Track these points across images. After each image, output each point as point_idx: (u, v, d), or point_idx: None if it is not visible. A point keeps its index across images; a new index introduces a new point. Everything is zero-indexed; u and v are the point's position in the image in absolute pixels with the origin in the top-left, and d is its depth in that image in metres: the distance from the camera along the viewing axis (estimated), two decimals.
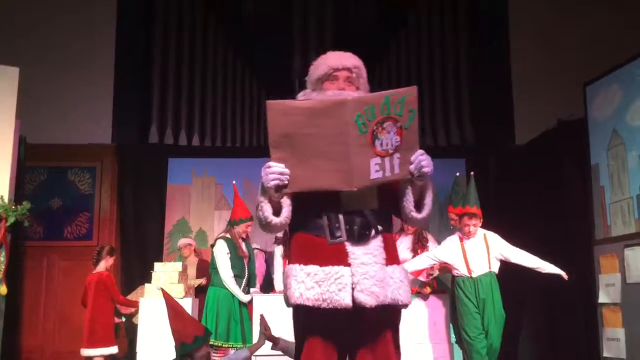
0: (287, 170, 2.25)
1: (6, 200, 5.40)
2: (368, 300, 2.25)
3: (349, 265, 2.29)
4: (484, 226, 5.53)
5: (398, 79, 8.30)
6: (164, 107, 8.23)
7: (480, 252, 5.39)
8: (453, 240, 5.52)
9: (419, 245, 6.00)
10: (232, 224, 5.97)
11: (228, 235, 5.92)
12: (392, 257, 2.40)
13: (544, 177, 7.06)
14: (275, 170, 2.24)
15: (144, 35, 8.37)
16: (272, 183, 2.25)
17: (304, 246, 2.38)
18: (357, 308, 2.25)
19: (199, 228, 8.02)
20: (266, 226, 2.37)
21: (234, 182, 6.36)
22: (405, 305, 2.40)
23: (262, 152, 8.53)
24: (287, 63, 8.24)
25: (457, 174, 6.40)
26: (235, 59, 8.44)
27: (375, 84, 8.24)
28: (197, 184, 8.14)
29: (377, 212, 2.38)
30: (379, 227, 2.37)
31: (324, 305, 2.26)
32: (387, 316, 2.37)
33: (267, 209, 2.33)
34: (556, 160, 6.82)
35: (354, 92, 2.44)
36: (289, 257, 2.48)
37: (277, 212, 2.35)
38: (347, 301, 2.25)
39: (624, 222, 5.47)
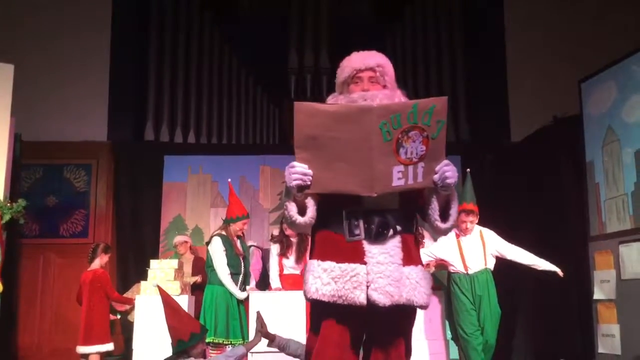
0: (310, 171, 2.28)
1: (1, 197, 5.39)
2: (382, 299, 2.28)
3: (365, 263, 2.32)
4: (480, 223, 5.54)
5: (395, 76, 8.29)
6: (159, 104, 8.22)
7: (476, 248, 5.41)
8: (449, 237, 5.53)
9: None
10: (228, 221, 5.97)
11: (223, 233, 5.92)
12: (410, 258, 2.42)
13: (539, 174, 7.07)
14: (298, 171, 2.27)
15: (139, 33, 8.36)
16: (295, 183, 2.28)
17: (324, 242, 2.43)
18: (372, 306, 2.28)
19: (195, 225, 8.00)
20: (292, 225, 2.44)
21: (229, 179, 6.35)
22: (422, 307, 2.42)
23: (257, 149, 8.54)
24: (283, 60, 8.25)
25: None
26: (231, 56, 8.44)
27: None
28: (192, 182, 8.13)
29: (397, 212, 2.41)
30: (398, 228, 2.39)
31: (339, 301, 2.30)
32: (402, 316, 2.41)
33: (292, 209, 2.38)
34: (551, 157, 6.83)
35: (380, 91, 2.47)
36: (310, 253, 2.52)
37: (302, 211, 2.39)
38: (361, 299, 2.28)
39: (618, 219, 5.49)
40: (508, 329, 6.66)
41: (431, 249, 5.59)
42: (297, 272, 6.28)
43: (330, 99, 2.57)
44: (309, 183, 2.29)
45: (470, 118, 8.27)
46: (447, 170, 2.30)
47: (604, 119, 5.73)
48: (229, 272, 5.77)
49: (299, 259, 6.25)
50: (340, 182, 2.27)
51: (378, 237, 2.35)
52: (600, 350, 5.58)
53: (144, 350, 5.63)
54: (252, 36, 8.44)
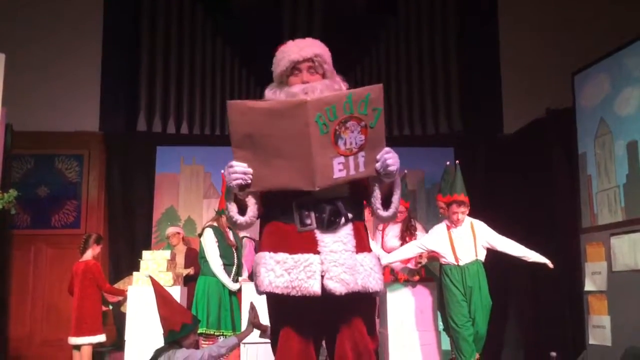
0: (250, 170, 2.26)
1: None
2: (337, 287, 2.26)
3: (318, 253, 2.30)
4: (472, 214, 5.55)
5: (387, 69, 8.30)
6: (152, 94, 8.17)
7: (467, 240, 5.42)
8: (440, 228, 5.55)
9: (407, 234, 6.01)
10: (220, 213, 5.95)
11: (215, 224, 5.91)
12: (362, 245, 2.40)
13: (532, 166, 7.09)
14: (238, 170, 2.26)
15: (131, 23, 8.30)
16: (235, 182, 2.27)
17: (274, 234, 2.39)
18: (328, 295, 2.26)
19: (188, 216, 8.00)
20: (233, 225, 2.44)
21: (222, 171, 6.32)
22: (377, 293, 2.40)
23: None
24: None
25: (447, 162, 6.42)
26: (223, 46, 8.40)
27: (366, 73, 8.28)
28: (185, 172, 8.12)
29: (348, 200, 2.39)
30: (349, 215, 2.38)
31: (293, 292, 2.27)
32: (359, 303, 2.38)
33: (232, 209, 2.38)
34: (544, 149, 6.85)
35: (319, 82, 2.42)
36: (260, 245, 2.48)
37: (243, 211, 2.39)
38: (315, 288, 2.26)
39: (610, 211, 5.52)
40: (499, 320, 6.70)
41: (422, 241, 5.60)
42: None
43: (268, 92, 2.54)
44: (249, 182, 2.27)
45: (464, 110, 8.27)
46: (389, 158, 2.28)
47: (597, 111, 5.75)
48: (221, 263, 5.76)
49: None
50: (281, 178, 2.23)
51: (330, 226, 2.33)
52: (591, 341, 5.62)
53: (136, 340, 5.62)
54: (244, 27, 8.39)
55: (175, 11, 8.34)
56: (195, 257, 6.48)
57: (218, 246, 5.79)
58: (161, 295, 4.20)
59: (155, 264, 5.89)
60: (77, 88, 7.99)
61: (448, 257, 5.46)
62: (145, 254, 6.05)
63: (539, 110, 6.98)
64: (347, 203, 2.38)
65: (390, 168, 2.29)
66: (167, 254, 6.06)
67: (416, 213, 7.64)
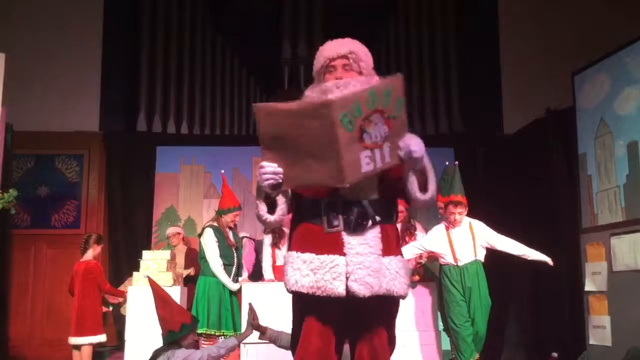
0: (280, 170, 2.28)
1: None
2: (361, 290, 2.28)
3: (344, 254, 2.32)
4: (472, 214, 5.55)
5: (387, 68, 8.29)
6: (152, 94, 8.18)
7: (466, 240, 5.42)
8: (439, 229, 5.54)
9: (407, 234, 6.01)
10: (220, 213, 5.96)
11: (215, 224, 5.91)
12: (390, 248, 2.41)
13: (532, 166, 7.09)
14: (268, 171, 2.28)
15: (131, 23, 8.31)
16: (267, 183, 2.29)
17: (302, 234, 2.42)
18: (352, 297, 2.28)
19: (188, 216, 8.00)
20: (263, 223, 2.46)
21: (222, 171, 6.34)
22: (402, 297, 2.43)
23: (250, 140, 8.50)
24: (276, 50, 8.21)
25: (447, 163, 6.41)
26: (224, 46, 8.40)
27: None
28: (185, 172, 8.11)
29: (376, 202, 2.40)
30: (377, 218, 2.38)
31: (318, 292, 2.30)
32: (383, 306, 2.41)
33: (262, 208, 2.40)
34: (544, 149, 6.84)
35: (353, 77, 2.44)
36: (289, 245, 2.52)
37: (272, 209, 2.41)
38: (340, 290, 2.28)
39: (610, 211, 5.51)
40: (499, 320, 6.69)
41: (421, 242, 5.60)
42: None
43: (307, 90, 2.55)
44: (280, 181, 2.29)
45: (464, 110, 8.27)
46: (411, 144, 2.29)
47: (597, 111, 5.74)
48: (221, 263, 5.76)
49: None
50: (311, 176, 2.25)
51: (357, 227, 2.34)
52: (591, 341, 5.61)
53: (137, 341, 5.62)
54: (245, 26, 8.40)
55: (176, 11, 8.34)
56: (195, 258, 6.48)
57: (218, 246, 5.79)
58: (159, 296, 4.20)
59: (155, 264, 5.88)
60: (77, 88, 8.00)
61: (447, 258, 5.45)
62: (145, 254, 6.05)
63: (539, 111, 6.98)
64: (376, 205, 2.39)
65: (415, 154, 2.30)
66: (167, 254, 6.06)
67: (416, 213, 7.63)
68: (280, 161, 2.28)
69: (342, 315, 2.36)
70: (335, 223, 2.35)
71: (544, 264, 5.20)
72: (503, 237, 5.40)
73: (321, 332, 2.35)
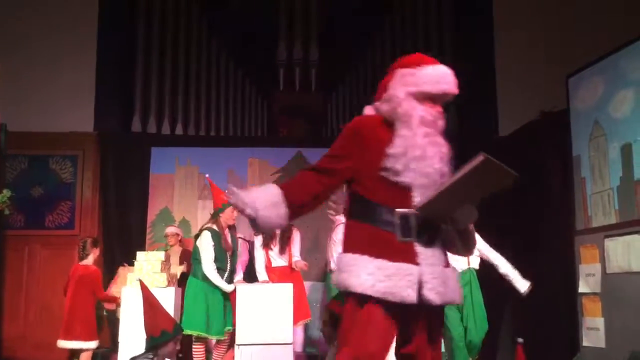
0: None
1: None
2: (436, 298, 2.38)
3: (417, 264, 2.40)
4: None
5: (382, 68, 8.28)
6: (147, 95, 8.17)
7: None
8: None
9: None
10: (216, 213, 5.89)
11: (214, 227, 5.82)
12: (447, 260, 2.56)
13: (526, 168, 7.07)
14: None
15: (126, 23, 8.30)
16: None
17: (372, 239, 2.45)
18: (418, 305, 2.37)
19: (182, 217, 7.97)
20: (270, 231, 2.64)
21: (206, 175, 6.36)
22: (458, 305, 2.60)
23: (245, 142, 8.47)
24: (272, 52, 8.21)
25: None
26: (219, 48, 8.39)
27: (360, 75, 8.28)
28: (180, 173, 8.09)
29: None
30: (443, 232, 2.53)
31: (390, 298, 2.35)
32: (439, 316, 2.56)
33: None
34: (538, 152, 6.86)
35: (440, 135, 2.73)
36: (346, 245, 2.54)
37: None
38: (412, 297, 2.36)
39: (604, 213, 5.53)
40: (494, 323, 6.68)
41: None
42: (285, 263, 6.27)
43: (375, 104, 2.80)
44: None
45: (458, 112, 8.28)
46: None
47: (591, 113, 5.76)
48: (214, 267, 5.70)
49: (283, 249, 6.23)
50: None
51: (430, 240, 2.46)
52: (585, 343, 5.62)
53: (130, 343, 5.58)
54: (240, 28, 8.40)
55: (171, 11, 8.33)
56: (189, 258, 6.44)
57: (214, 249, 5.72)
58: (147, 301, 4.20)
59: (149, 265, 5.86)
60: (71, 88, 7.96)
61: None
62: (140, 254, 6.03)
63: (533, 113, 6.99)
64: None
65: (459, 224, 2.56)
66: (161, 254, 6.04)
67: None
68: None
69: (399, 322, 2.42)
70: (409, 233, 2.42)
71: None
72: (491, 250, 5.38)
73: (380, 336, 2.40)
